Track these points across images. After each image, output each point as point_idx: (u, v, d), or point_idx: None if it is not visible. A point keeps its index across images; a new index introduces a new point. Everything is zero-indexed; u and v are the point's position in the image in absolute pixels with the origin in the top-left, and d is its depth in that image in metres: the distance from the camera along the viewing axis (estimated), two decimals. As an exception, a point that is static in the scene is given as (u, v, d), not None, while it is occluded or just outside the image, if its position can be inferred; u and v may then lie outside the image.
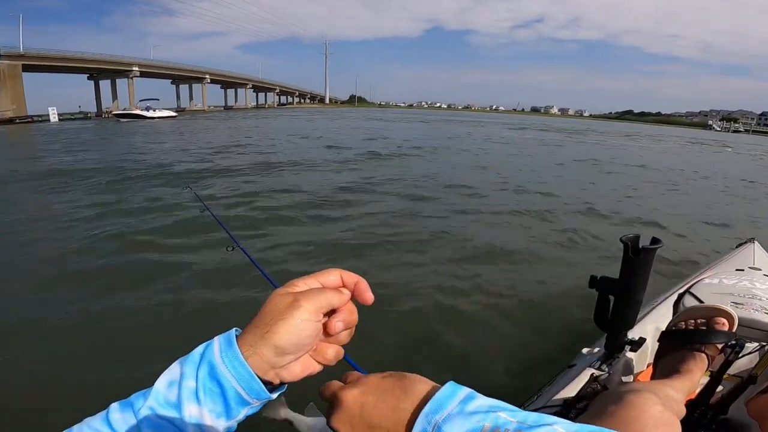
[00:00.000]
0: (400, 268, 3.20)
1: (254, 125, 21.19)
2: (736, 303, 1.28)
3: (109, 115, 32.11)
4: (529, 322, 2.54)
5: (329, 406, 0.31)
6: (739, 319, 0.98)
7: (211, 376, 0.31)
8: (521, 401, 0.99)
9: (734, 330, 0.90)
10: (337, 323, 0.34)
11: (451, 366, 2.05)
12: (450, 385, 0.28)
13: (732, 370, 0.97)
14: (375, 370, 0.34)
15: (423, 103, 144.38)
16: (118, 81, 38.79)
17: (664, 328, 0.97)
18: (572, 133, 26.25)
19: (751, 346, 1.02)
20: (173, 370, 0.31)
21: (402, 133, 18.17)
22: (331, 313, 0.35)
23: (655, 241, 0.84)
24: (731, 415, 0.90)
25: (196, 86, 51.27)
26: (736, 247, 2.23)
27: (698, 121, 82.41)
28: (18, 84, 27.95)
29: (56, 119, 27.65)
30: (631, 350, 1.05)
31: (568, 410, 0.82)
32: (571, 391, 0.92)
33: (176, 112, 47.14)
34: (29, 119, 26.73)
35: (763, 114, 79.49)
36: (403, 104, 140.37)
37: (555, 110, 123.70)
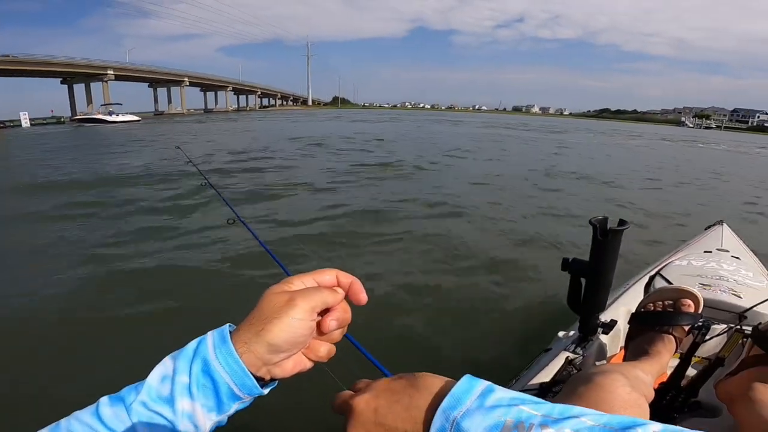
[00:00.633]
0: (367, 259, 3.26)
1: (222, 129, 20.20)
2: (704, 284, 1.30)
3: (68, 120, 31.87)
4: (506, 309, 2.57)
5: (344, 417, 0.30)
6: (706, 300, 1.00)
7: (205, 371, 0.31)
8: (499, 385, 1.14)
9: (700, 311, 0.91)
10: (330, 322, 0.35)
11: (432, 358, 2.05)
12: (466, 379, 0.27)
13: (702, 352, 1.00)
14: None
15: (407, 104, 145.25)
16: (93, 85, 38.39)
17: (634, 310, 0.99)
18: (544, 131, 26.69)
19: (718, 327, 1.03)
20: (166, 365, 0.32)
21: (378, 130, 18.56)
22: (325, 311, 0.35)
23: (622, 222, 0.84)
24: (701, 397, 0.91)
25: (174, 89, 50.93)
26: (705, 229, 2.26)
27: (672, 118, 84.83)
28: (-13, 89, 27.52)
29: (28, 124, 27.34)
30: (603, 333, 1.05)
31: (544, 394, 0.82)
32: (547, 374, 0.92)
33: (156, 115, 46.89)
34: (0, 125, 26.45)
35: (735, 111, 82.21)
36: (387, 105, 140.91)
37: (536, 109, 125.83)
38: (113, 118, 28.06)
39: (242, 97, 71.84)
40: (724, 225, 2.19)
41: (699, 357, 1.03)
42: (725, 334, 0.97)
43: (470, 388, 0.26)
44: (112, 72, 38.11)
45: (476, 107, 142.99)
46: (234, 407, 0.32)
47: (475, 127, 27.29)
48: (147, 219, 4.32)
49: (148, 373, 0.31)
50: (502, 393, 0.26)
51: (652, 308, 0.93)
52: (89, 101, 38.86)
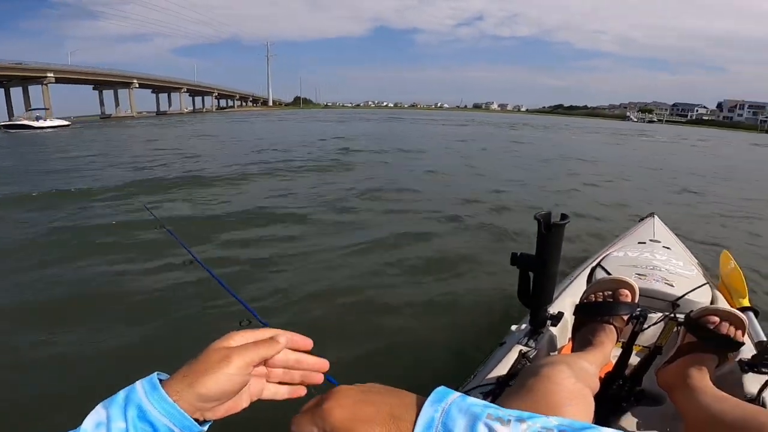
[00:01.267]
0: (312, 266, 3.15)
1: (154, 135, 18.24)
2: (640, 274, 1.34)
3: None
4: (461, 305, 2.57)
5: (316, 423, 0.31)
6: (642, 289, 1.01)
7: (141, 417, 0.32)
8: (458, 382, 1.03)
9: (636, 300, 0.94)
10: (272, 370, 0.39)
11: (389, 363, 2.02)
12: (443, 388, 0.30)
13: (642, 341, 1.02)
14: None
15: (370, 103, 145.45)
16: (31, 88, 36.32)
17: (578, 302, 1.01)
18: (497, 126, 27.14)
19: (655, 316, 1.05)
20: (99, 413, 0.32)
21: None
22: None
23: (564, 217, 0.87)
24: (645, 385, 0.93)
25: (122, 91, 48.91)
26: (639, 221, 2.35)
27: (619, 113, 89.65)
28: None
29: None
30: (552, 325, 1.07)
31: (501, 388, 0.83)
32: (503, 369, 0.94)
33: (102, 118, 44.86)
34: None
35: (675, 105, 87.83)
36: (350, 104, 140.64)
37: (495, 106, 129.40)
38: (40, 123, 26.77)
39: (198, 99, 69.79)
40: (656, 217, 2.27)
41: (640, 346, 1.06)
42: (662, 323, 0.99)
43: (447, 391, 0.30)
44: (52, 75, 36.24)
45: (438, 105, 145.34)
46: None
47: (441, 125, 27.14)
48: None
49: (82, 419, 0.32)
50: (474, 399, 0.29)
51: (593, 299, 0.95)
52: (28, 105, 36.75)
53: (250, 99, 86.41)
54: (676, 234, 2.18)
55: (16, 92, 36.08)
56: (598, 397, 0.71)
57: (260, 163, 8.49)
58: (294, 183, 6.51)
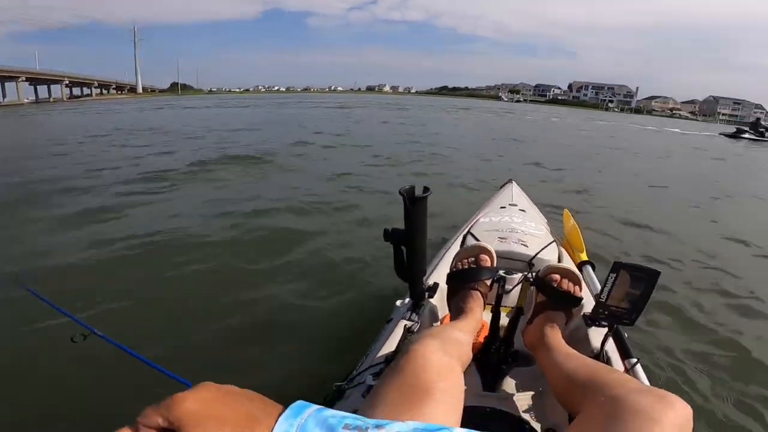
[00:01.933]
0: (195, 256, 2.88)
1: None
2: (501, 238, 1.38)
3: None
4: (344, 287, 2.51)
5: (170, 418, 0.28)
6: (502, 252, 1.06)
7: None
8: (353, 364, 1.02)
9: (494, 264, 0.97)
10: None
11: (280, 356, 1.91)
12: (300, 402, 0.31)
13: (509, 302, 1.04)
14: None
15: (261, 87, 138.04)
16: None
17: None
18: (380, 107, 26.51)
19: (516, 277, 1.07)
20: None
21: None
22: None
23: (425, 189, 0.87)
24: (518, 346, 0.96)
25: (-72, 83, 39.79)
26: (500, 187, 2.44)
27: (493, 93, 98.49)
28: None
29: None
30: (430, 297, 1.08)
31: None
32: (391, 345, 0.93)
33: None
34: None
35: (537, 86, 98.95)
36: (238, 89, 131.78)
37: (387, 88, 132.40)
38: None
39: (43, 88, 59.67)
40: (514, 183, 2.38)
41: (508, 307, 1.08)
42: (522, 283, 1.01)
43: (305, 404, 0.30)
44: None
45: (332, 88, 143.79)
46: None
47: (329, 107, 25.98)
48: None
49: None
50: (335, 411, 0.30)
51: (460, 267, 0.98)
52: None
53: (113, 86, 76.28)
54: (529, 197, 2.28)
55: None
56: (481, 363, 0.75)
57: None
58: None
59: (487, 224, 1.57)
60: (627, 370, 0.88)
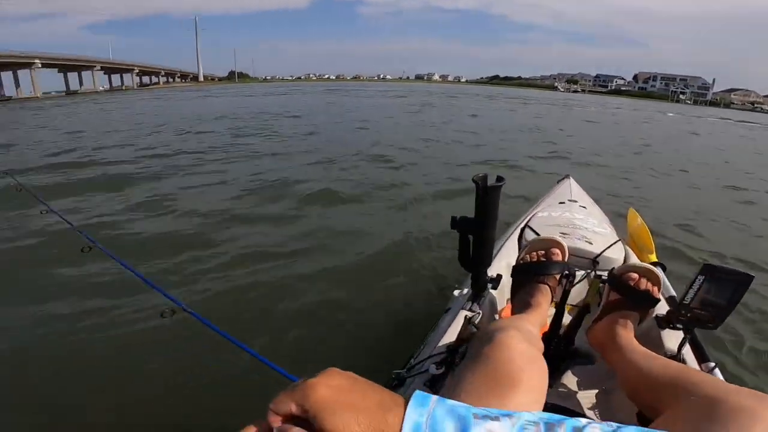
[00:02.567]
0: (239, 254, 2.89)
1: None
2: (564, 233, 1.34)
3: None
4: (401, 275, 2.53)
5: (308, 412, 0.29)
6: (568, 248, 1.01)
7: None
8: (409, 352, 1.03)
9: (566, 259, 0.95)
10: None
11: (338, 344, 1.95)
12: (420, 392, 0.30)
13: (571, 299, 1.01)
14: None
15: (312, 75, 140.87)
16: None
17: (514, 263, 1.00)
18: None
19: (579, 274, 1.05)
20: None
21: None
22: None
23: (499, 179, 0.86)
24: (578, 344, 0.94)
25: (23, 72, 44.40)
26: (557, 182, 2.38)
27: (549, 83, 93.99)
28: None
29: None
30: (492, 288, 1.07)
31: (453, 355, 0.82)
32: (451, 335, 0.93)
33: (1, 101, 40.80)
34: None
35: (597, 76, 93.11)
36: (290, 77, 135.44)
37: (437, 77, 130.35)
38: None
39: (116, 77, 64.59)
40: (571, 178, 2.34)
41: (569, 305, 1.05)
42: (586, 280, 0.99)
43: (427, 396, 0.30)
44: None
45: (381, 76, 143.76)
46: None
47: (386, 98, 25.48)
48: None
49: None
50: (455, 402, 0.30)
51: (529, 259, 0.97)
52: None
53: (178, 75, 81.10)
54: (589, 194, 2.23)
55: None
56: None
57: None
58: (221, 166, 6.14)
59: (547, 218, 1.54)
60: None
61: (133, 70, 65.47)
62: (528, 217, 1.65)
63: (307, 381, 0.30)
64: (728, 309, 0.78)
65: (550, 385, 0.93)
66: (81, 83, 55.71)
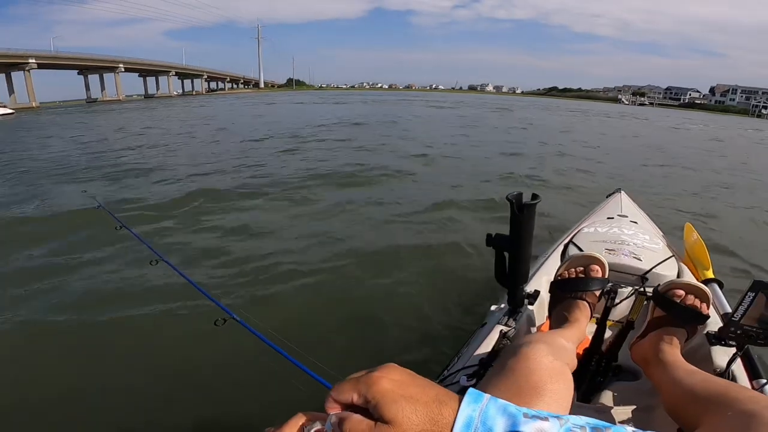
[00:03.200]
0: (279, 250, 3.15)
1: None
2: (609, 249, 1.33)
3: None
4: (440, 289, 2.58)
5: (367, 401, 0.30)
6: (612, 264, 1.02)
7: None
8: (443, 364, 1.04)
9: (606, 276, 0.94)
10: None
11: (374, 351, 2.01)
12: (474, 390, 0.31)
13: (614, 316, 1.01)
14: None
15: (365, 84, 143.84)
16: (14, 74, 36.46)
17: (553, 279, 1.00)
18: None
19: (625, 290, 1.05)
20: None
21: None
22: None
23: (534, 197, 0.86)
24: (621, 361, 0.94)
25: (108, 76, 48.84)
26: (607, 197, 2.34)
27: (612, 95, 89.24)
28: None
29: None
30: (529, 303, 1.07)
31: (484, 369, 0.83)
32: (485, 349, 0.93)
33: (88, 102, 45.04)
34: None
35: (668, 89, 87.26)
36: (344, 86, 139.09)
37: (490, 88, 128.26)
38: None
39: (187, 82, 69.42)
40: (622, 192, 2.28)
41: (612, 321, 1.04)
42: (632, 297, 0.98)
43: (480, 394, 0.31)
44: (33, 60, 36.25)
45: (433, 86, 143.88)
46: None
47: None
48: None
49: None
50: (501, 402, 0.30)
51: (567, 275, 0.96)
52: (11, 91, 36.96)
53: (241, 81, 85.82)
54: (641, 208, 2.18)
55: (-1, 79, 36.29)
56: (577, 374, 0.70)
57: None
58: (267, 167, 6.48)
59: (593, 234, 1.52)
60: (756, 391, 0.84)
61: (203, 75, 70.12)
62: (573, 233, 1.62)
63: (371, 374, 0.32)
64: None
65: (588, 400, 0.94)
66: (158, 87, 60.40)
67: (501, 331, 0.95)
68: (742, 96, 74.13)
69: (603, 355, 0.95)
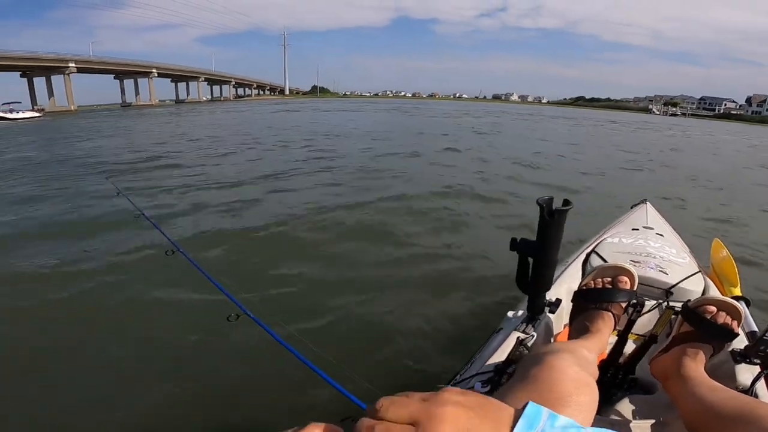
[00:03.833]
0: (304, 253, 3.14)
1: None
2: (634, 261, 1.32)
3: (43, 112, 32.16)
4: (455, 292, 2.56)
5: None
6: (638, 277, 1.00)
7: None
8: (456, 369, 1.03)
9: (635, 288, 0.93)
10: None
11: (387, 354, 1.99)
12: (532, 405, 0.28)
13: (636, 329, 1.00)
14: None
15: (388, 92, 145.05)
16: (54, 78, 38.36)
17: (575, 288, 0.98)
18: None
19: (649, 304, 1.03)
20: None
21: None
22: None
23: (566, 203, 0.83)
24: (638, 374, 0.93)
25: (142, 80, 50.83)
26: (632, 207, 2.29)
27: (642, 106, 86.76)
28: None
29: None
30: (549, 312, 1.06)
31: (499, 375, 0.81)
32: (500, 356, 0.92)
33: (123, 106, 46.94)
34: None
35: (702, 99, 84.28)
36: (368, 93, 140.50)
37: (515, 97, 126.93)
38: (14, 115, 28.39)
39: (216, 88, 71.51)
40: (648, 204, 2.23)
41: (634, 334, 1.03)
42: (656, 311, 0.97)
43: (539, 410, 0.28)
44: (73, 65, 38.07)
45: (457, 95, 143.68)
46: None
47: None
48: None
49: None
50: (564, 420, 0.28)
51: (593, 285, 0.94)
52: (50, 94, 38.86)
53: (268, 88, 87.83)
54: (668, 221, 2.13)
55: (39, 82, 38.21)
56: None
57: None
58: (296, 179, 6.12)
59: (617, 245, 1.49)
60: None
61: (230, 82, 72.12)
62: (595, 243, 1.60)
63: (432, 410, 0.27)
64: None
65: (602, 413, 0.91)
66: (188, 93, 62.45)
67: (518, 338, 0.93)
68: (782, 107, 70.80)
69: (620, 367, 0.94)
